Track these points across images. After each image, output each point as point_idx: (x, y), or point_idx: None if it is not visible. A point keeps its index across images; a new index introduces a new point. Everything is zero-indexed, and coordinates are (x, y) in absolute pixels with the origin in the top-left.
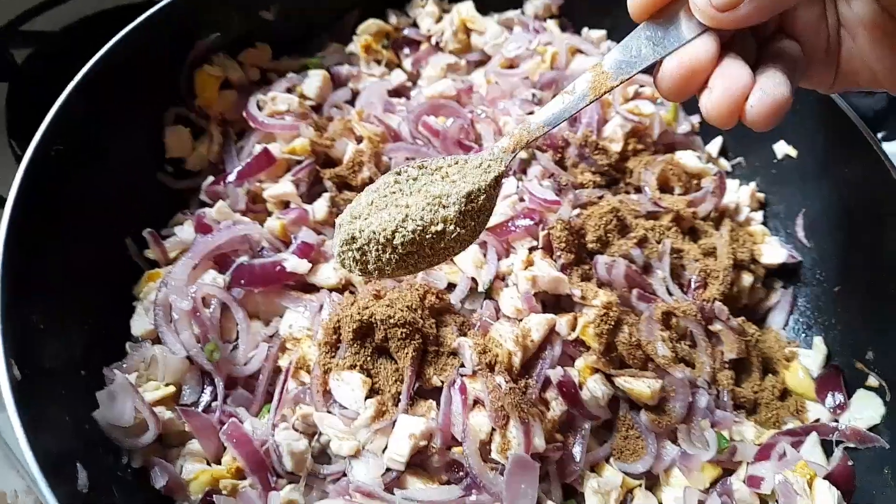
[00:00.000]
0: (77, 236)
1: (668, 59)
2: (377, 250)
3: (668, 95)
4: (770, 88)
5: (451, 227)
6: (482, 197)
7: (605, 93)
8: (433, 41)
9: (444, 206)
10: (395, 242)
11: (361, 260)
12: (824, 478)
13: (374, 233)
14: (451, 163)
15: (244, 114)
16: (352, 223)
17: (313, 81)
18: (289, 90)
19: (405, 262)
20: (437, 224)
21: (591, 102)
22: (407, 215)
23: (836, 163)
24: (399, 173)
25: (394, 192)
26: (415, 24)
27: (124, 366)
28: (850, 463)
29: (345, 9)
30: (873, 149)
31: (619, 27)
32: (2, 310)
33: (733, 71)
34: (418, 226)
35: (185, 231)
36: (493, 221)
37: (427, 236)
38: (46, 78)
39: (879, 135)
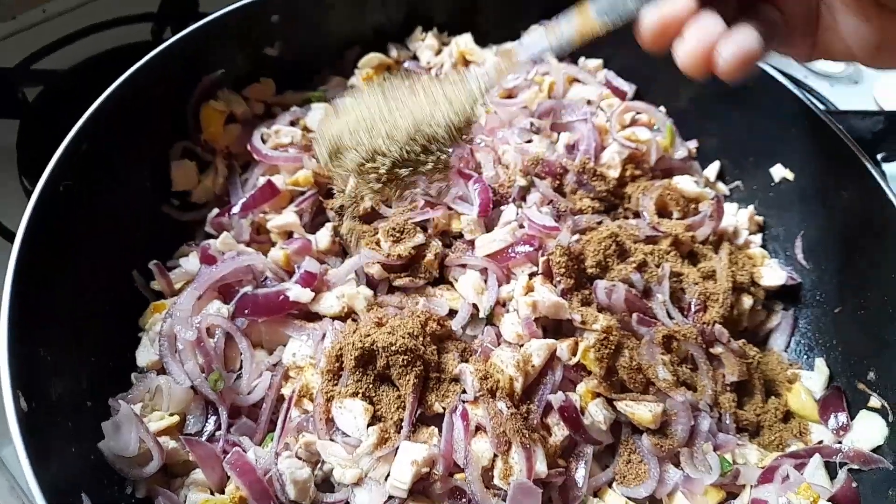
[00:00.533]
0: (84, 269)
1: (649, 10)
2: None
3: (646, 45)
4: (741, 40)
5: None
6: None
7: (588, 38)
8: (433, 73)
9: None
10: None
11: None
12: (828, 500)
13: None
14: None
15: (248, 147)
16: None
17: (316, 114)
18: (292, 123)
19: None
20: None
21: (575, 46)
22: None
23: (833, 185)
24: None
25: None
26: (415, 57)
27: (129, 396)
28: (854, 485)
29: (346, 44)
30: (869, 171)
31: (615, 56)
32: (9, 343)
33: (707, 22)
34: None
35: (190, 262)
36: (493, 248)
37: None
38: (56, 115)
39: (879, 156)
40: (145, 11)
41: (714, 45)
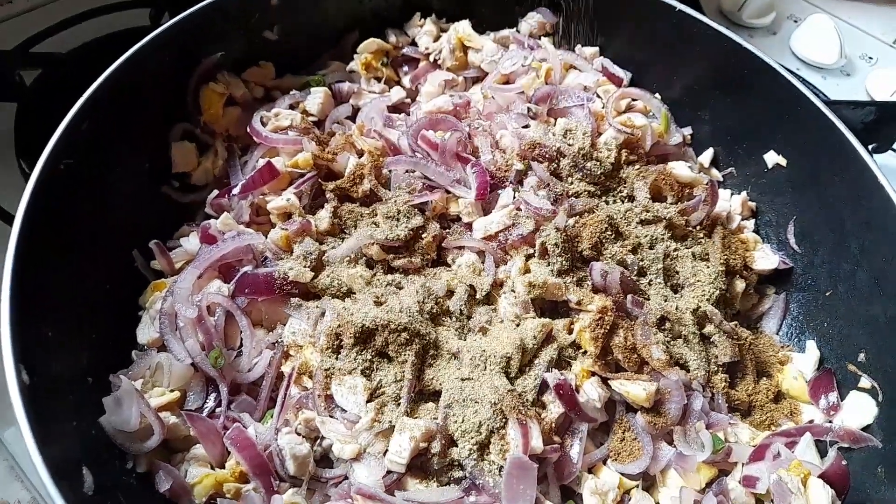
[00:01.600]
0: (85, 248)
1: None
2: None
3: None
4: None
5: None
6: None
7: None
8: (431, 59)
9: None
10: None
11: None
12: (818, 477)
13: None
14: None
15: (248, 129)
16: None
17: (315, 98)
18: (291, 107)
19: None
20: None
21: None
22: None
23: (825, 171)
24: None
25: None
26: (413, 43)
27: (130, 373)
28: (843, 462)
29: (345, 29)
30: (861, 157)
31: (611, 44)
32: (11, 320)
33: None
34: None
35: (190, 242)
36: (490, 230)
37: None
38: (55, 99)
39: (870, 146)
40: None
41: None
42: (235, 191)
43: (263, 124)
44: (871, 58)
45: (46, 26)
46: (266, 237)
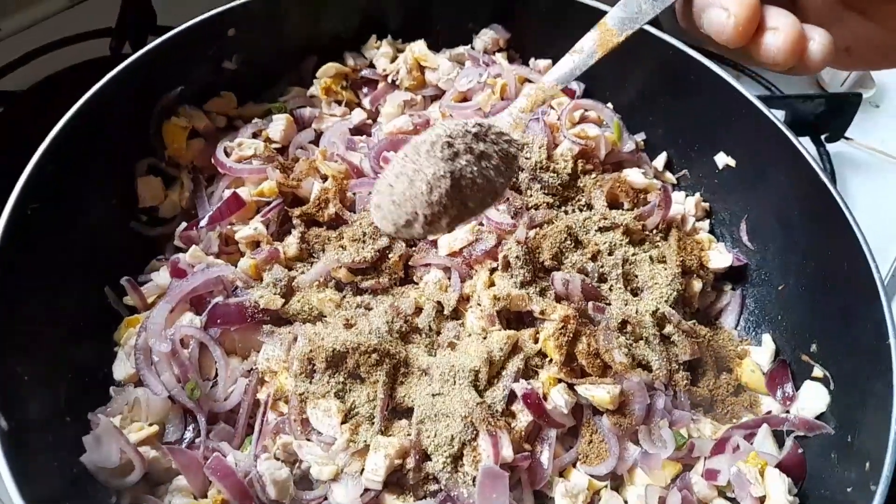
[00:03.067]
0: (57, 289)
1: (734, 5)
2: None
3: (735, 39)
4: (822, 31)
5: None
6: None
7: (611, 49)
8: (389, 80)
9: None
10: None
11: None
12: (776, 466)
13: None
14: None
15: (213, 160)
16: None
17: (277, 125)
18: (254, 135)
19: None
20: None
21: (599, 58)
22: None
23: (771, 169)
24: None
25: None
26: (371, 65)
27: (108, 410)
28: (800, 451)
29: (303, 54)
30: (801, 153)
31: (562, 55)
32: None
33: (785, 15)
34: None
35: (161, 276)
36: (455, 247)
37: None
38: (18, 137)
39: (822, 136)
40: (103, 27)
41: (803, 35)
42: (203, 223)
43: (227, 154)
44: None
45: (4, 63)
46: (235, 267)
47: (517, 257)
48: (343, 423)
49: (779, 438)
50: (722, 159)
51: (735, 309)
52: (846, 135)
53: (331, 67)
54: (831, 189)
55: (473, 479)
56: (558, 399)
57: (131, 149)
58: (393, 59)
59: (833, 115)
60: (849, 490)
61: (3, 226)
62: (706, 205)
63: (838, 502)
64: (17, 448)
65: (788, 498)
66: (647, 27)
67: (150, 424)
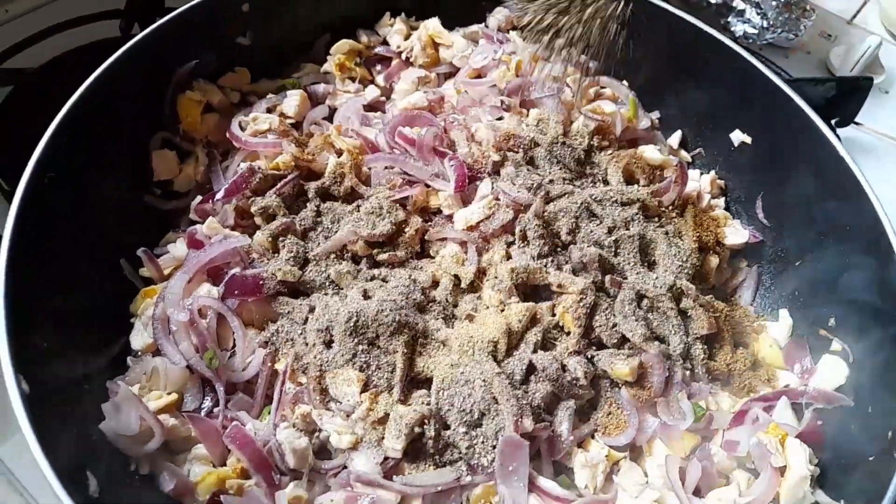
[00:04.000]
0: (73, 259)
1: None
2: None
3: None
4: None
5: None
6: None
7: None
8: (403, 57)
9: None
10: None
11: None
12: (795, 437)
13: None
14: None
15: (228, 134)
16: None
17: (292, 101)
18: (269, 110)
19: None
20: None
21: None
22: None
23: (787, 146)
24: None
25: None
26: (385, 42)
27: (127, 378)
28: (819, 422)
29: (317, 32)
30: (822, 131)
31: None
32: (7, 331)
33: None
34: None
35: (177, 248)
36: (471, 221)
37: None
38: (29, 114)
39: (833, 121)
40: (112, 8)
41: None
42: (219, 195)
43: (242, 129)
44: (830, 35)
45: (14, 42)
46: (251, 239)
47: (534, 231)
48: (362, 392)
49: (797, 412)
50: (738, 136)
51: (751, 285)
52: (856, 120)
53: (344, 44)
54: (850, 163)
55: (493, 448)
56: (577, 370)
57: (146, 123)
58: (407, 37)
59: (844, 99)
60: (871, 459)
61: (21, 193)
62: (721, 182)
63: (859, 472)
64: (38, 411)
65: (809, 467)
66: (663, 3)
67: (169, 393)
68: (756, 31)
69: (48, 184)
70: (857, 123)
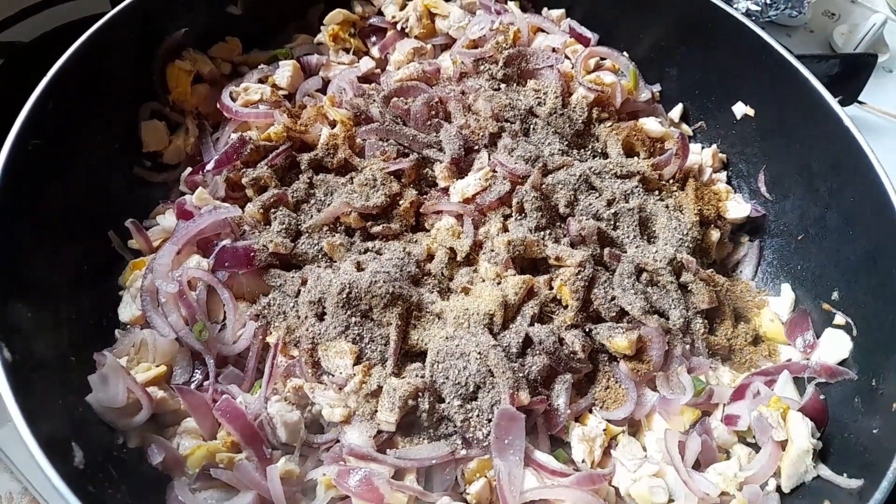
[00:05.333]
0: (59, 229)
1: None
2: None
3: None
4: None
5: None
6: None
7: None
8: (399, 27)
9: None
10: None
11: None
12: (798, 411)
13: None
14: None
15: (218, 105)
16: None
17: (284, 71)
18: (261, 81)
19: None
20: None
21: None
22: None
23: (792, 118)
24: None
25: None
26: (380, 13)
27: (115, 350)
28: (821, 397)
29: (310, 1)
30: (828, 104)
31: (577, 5)
32: None
33: None
34: None
35: (167, 219)
36: (467, 193)
37: None
38: (20, 88)
39: (837, 99)
40: None
41: None
42: (209, 166)
43: (233, 99)
44: (833, 14)
45: (7, 15)
46: (243, 211)
47: (532, 203)
48: (355, 364)
49: (800, 387)
50: (740, 109)
51: (753, 260)
52: (859, 99)
53: (338, 14)
54: (857, 135)
55: (489, 421)
56: (574, 344)
57: (135, 92)
58: (402, 7)
59: (848, 77)
60: (875, 431)
61: (4, 159)
62: (723, 156)
63: (863, 445)
64: (21, 381)
65: (811, 441)
66: None
67: (158, 366)
68: (759, 8)
69: (32, 150)
70: (860, 102)
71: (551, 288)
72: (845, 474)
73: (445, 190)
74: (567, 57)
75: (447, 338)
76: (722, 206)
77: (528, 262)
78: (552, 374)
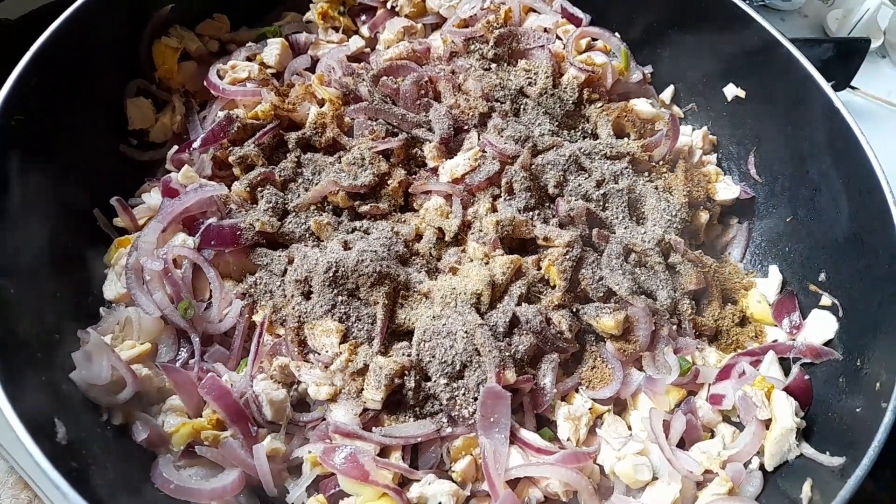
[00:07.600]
0: (43, 207)
1: None
2: None
3: None
4: None
5: None
6: None
7: None
8: (389, 6)
9: None
10: None
11: None
12: (783, 390)
13: None
14: None
15: (205, 83)
16: None
17: (272, 49)
18: (249, 59)
19: None
20: None
21: None
22: None
23: (783, 101)
24: None
25: None
26: None
27: (99, 328)
28: (806, 377)
29: None
30: (818, 84)
31: None
32: None
33: None
34: None
35: (152, 197)
36: (457, 173)
37: None
38: (5, 66)
39: (830, 84)
40: None
41: None
42: (196, 145)
43: (220, 77)
44: None
45: None
46: (229, 189)
47: (521, 183)
48: (341, 343)
49: (785, 368)
50: (731, 91)
51: (741, 242)
52: (852, 84)
53: None
54: (847, 117)
55: (475, 399)
56: (561, 323)
57: (121, 69)
58: None
59: (841, 61)
60: (858, 410)
61: None
62: (713, 138)
63: (846, 423)
64: (4, 360)
65: (795, 420)
66: None
67: (142, 343)
68: None
69: (16, 125)
70: (853, 87)
71: (539, 268)
72: (828, 452)
73: (434, 170)
74: (558, 37)
75: (434, 317)
76: (711, 188)
77: (517, 243)
78: (539, 353)
